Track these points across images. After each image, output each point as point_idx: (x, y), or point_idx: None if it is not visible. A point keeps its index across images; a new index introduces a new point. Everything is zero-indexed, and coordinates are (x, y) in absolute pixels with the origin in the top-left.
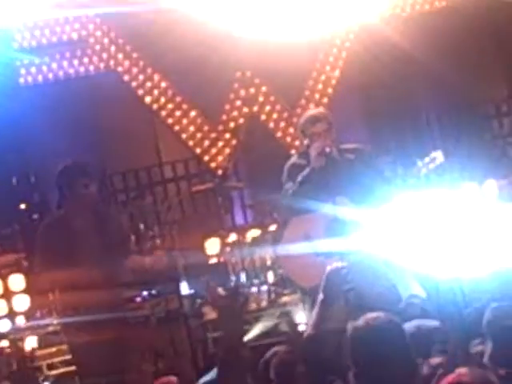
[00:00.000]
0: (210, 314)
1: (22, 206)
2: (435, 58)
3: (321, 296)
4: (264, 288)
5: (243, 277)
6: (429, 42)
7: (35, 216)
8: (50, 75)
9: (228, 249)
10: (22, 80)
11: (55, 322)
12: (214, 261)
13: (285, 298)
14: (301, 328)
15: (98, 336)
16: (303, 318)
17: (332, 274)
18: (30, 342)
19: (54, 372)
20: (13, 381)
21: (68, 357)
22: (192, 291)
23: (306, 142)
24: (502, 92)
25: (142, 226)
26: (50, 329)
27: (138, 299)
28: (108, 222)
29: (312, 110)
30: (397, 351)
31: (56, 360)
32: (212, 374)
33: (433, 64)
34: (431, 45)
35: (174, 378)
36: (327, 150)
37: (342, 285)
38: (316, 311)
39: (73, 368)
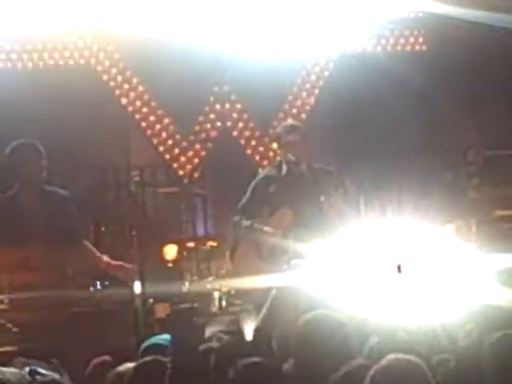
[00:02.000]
0: (161, 312)
1: None
2: (407, 102)
3: (273, 292)
4: (216, 295)
5: (197, 282)
6: (405, 84)
7: None
8: (29, 64)
9: (185, 253)
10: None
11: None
12: (170, 265)
13: (235, 308)
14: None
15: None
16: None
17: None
18: None
19: None
20: None
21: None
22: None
23: (279, 151)
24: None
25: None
26: None
27: (91, 288)
28: (57, 203)
29: (288, 122)
30: (336, 345)
31: None
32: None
33: (403, 107)
34: (405, 88)
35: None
36: (292, 158)
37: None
38: (266, 305)
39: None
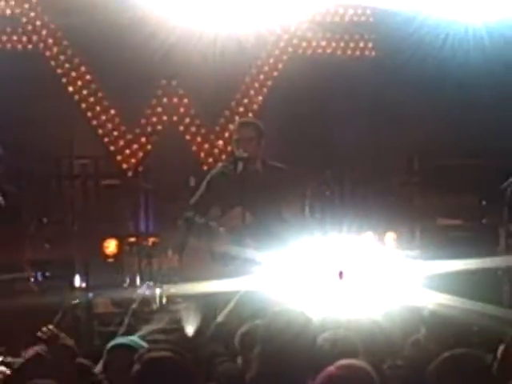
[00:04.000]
0: (101, 307)
1: None
2: (354, 106)
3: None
4: (157, 291)
5: (138, 278)
6: (351, 90)
7: None
8: None
9: (127, 248)
10: None
11: None
12: (110, 260)
13: (177, 306)
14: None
15: None
16: (191, 327)
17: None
18: None
19: None
20: None
21: None
22: (84, 284)
23: (233, 147)
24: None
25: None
26: None
27: (32, 280)
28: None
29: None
30: (301, 335)
31: None
32: None
33: (351, 111)
34: (353, 92)
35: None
36: (243, 154)
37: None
38: (232, 303)
39: None
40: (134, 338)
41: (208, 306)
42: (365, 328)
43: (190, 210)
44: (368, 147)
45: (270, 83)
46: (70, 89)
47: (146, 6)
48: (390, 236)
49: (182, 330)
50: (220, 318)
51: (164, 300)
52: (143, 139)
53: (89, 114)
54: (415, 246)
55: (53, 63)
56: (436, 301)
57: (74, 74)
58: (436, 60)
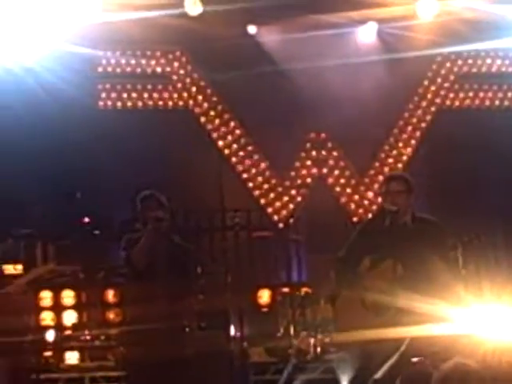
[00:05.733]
0: (256, 356)
1: (86, 220)
2: (504, 158)
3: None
4: (311, 341)
5: (291, 328)
6: (499, 142)
7: (97, 231)
8: (129, 103)
9: (280, 298)
10: (101, 103)
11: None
12: (264, 310)
13: (331, 355)
14: None
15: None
16: (346, 378)
17: None
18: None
19: None
20: None
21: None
22: (239, 334)
23: (382, 200)
24: None
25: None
26: (97, 343)
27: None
28: (181, 252)
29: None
30: None
31: (99, 375)
32: None
33: (500, 163)
34: (501, 144)
35: None
36: (392, 208)
37: None
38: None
39: None
40: None
41: (362, 356)
42: None
43: (340, 261)
44: None
45: (418, 134)
46: (220, 143)
47: (295, 61)
48: None
49: (336, 380)
50: (378, 375)
51: (318, 350)
52: (293, 192)
53: (239, 167)
54: None
55: (203, 119)
56: None
57: (223, 129)
58: None
